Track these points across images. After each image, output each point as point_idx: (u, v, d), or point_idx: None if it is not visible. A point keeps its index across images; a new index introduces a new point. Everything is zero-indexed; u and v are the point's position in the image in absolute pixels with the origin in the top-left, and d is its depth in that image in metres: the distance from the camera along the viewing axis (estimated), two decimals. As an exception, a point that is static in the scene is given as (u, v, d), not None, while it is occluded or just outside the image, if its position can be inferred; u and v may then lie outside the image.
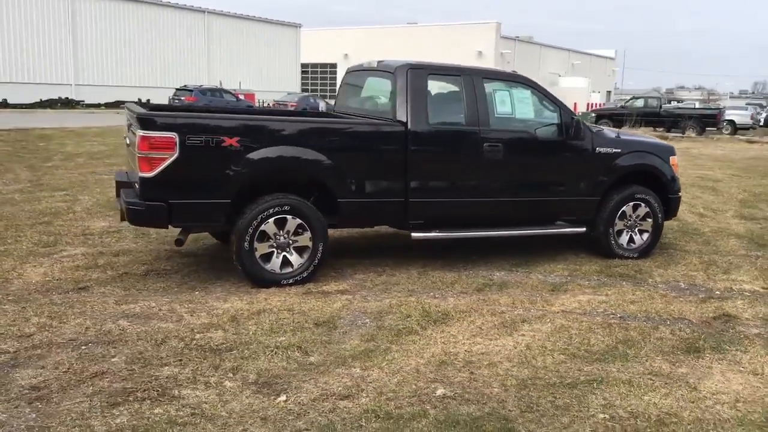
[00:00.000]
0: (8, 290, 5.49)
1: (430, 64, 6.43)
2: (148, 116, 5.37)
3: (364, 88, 7.23)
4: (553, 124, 6.67)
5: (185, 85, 33.27)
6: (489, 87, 6.49)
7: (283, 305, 5.30)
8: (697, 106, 36.84)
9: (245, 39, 49.34)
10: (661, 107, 31.64)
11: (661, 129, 30.05)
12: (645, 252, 7.22)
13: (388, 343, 4.62)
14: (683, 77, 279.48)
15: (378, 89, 6.84)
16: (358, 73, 7.34)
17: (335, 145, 5.86)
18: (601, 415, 3.66)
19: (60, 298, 5.34)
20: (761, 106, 53.40)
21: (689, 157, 19.29)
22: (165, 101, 31.08)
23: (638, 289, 6.05)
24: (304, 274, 5.85)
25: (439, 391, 3.88)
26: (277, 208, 5.67)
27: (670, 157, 7.33)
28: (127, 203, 5.49)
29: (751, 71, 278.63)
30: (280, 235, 5.75)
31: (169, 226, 5.83)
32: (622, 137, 7.16)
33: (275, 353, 4.37)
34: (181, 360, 4.24)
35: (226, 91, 33.18)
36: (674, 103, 37.27)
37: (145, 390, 3.81)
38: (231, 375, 4.04)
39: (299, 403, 3.71)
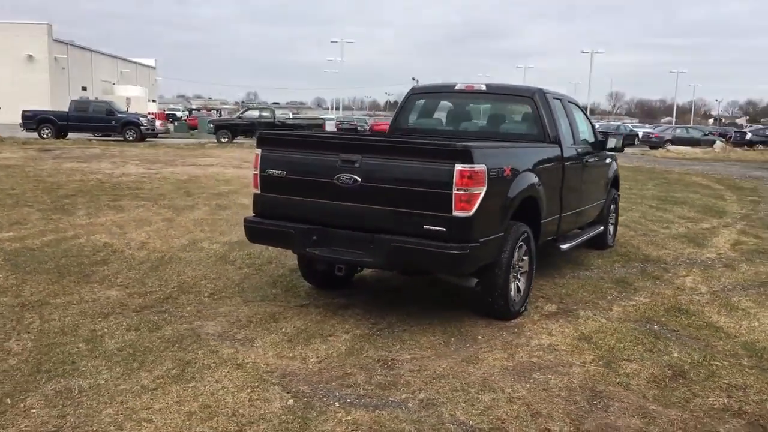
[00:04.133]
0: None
1: (545, 88, 6.91)
2: (467, 148, 4.77)
3: (467, 111, 7.15)
4: (598, 138, 7.83)
5: None
6: (570, 109, 7.31)
7: (575, 331, 5.36)
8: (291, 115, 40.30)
9: None
10: (275, 118, 33.86)
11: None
12: (613, 239, 8.96)
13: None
14: (204, 86, 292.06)
15: (496, 112, 6.96)
16: (440, 95, 7.20)
17: (541, 168, 6.00)
18: None
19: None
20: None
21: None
22: None
23: (712, 267, 7.70)
24: (526, 299, 5.88)
25: None
26: (522, 236, 5.60)
27: None
28: (444, 249, 4.76)
29: (240, 81, 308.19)
30: (518, 263, 5.69)
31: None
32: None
33: (733, 369, 4.68)
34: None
35: None
36: (290, 114, 40.02)
37: None
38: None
39: None
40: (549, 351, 4.84)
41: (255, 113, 34.20)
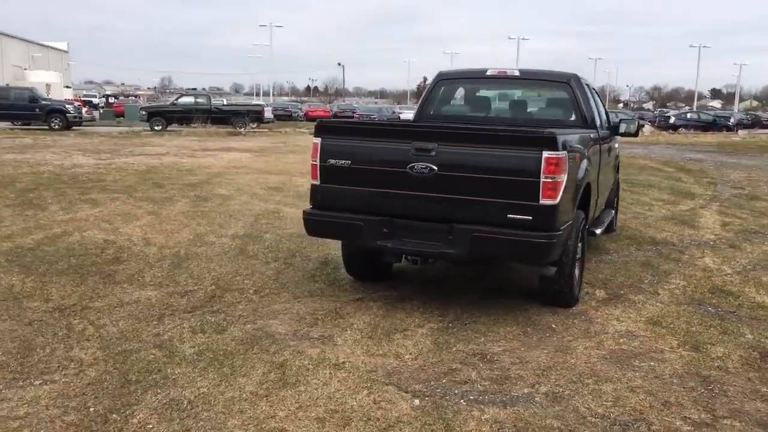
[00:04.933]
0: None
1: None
2: (553, 134, 4.69)
3: (501, 97, 7.05)
4: (612, 123, 7.90)
5: None
6: (593, 93, 7.33)
7: (640, 316, 5.40)
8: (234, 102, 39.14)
9: None
10: (211, 104, 32.87)
11: (213, 126, 30.74)
12: (616, 223, 9.12)
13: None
14: (113, 71, 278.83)
15: (532, 97, 6.89)
16: (470, 80, 7.06)
17: (590, 153, 5.99)
18: None
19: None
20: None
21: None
22: None
23: (719, 248, 7.95)
24: (581, 286, 5.90)
25: None
26: (582, 223, 5.60)
27: None
28: (532, 238, 4.68)
29: (153, 66, 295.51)
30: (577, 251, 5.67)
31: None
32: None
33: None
34: None
35: None
36: (224, 101, 38.77)
37: None
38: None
39: None
40: (631, 337, 4.85)
41: (190, 99, 32.99)
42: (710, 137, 35.48)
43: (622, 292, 6.03)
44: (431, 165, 4.81)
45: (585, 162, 5.53)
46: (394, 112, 46.98)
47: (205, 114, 31.32)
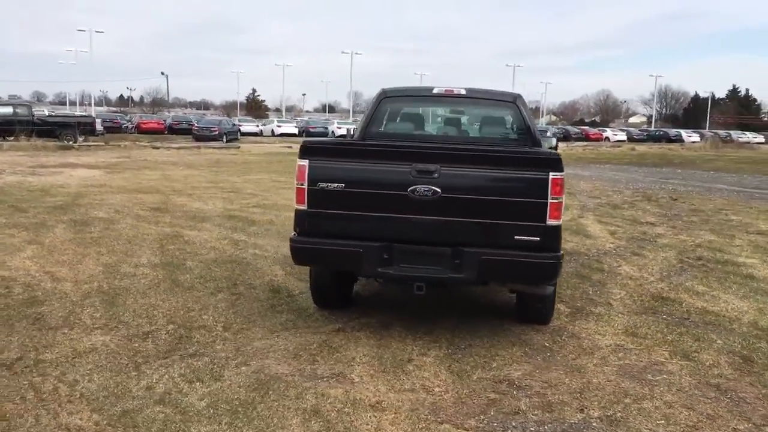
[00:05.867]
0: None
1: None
2: (558, 156, 4.76)
3: (448, 116, 6.96)
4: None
5: None
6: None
7: (614, 329, 5.64)
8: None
9: None
10: (33, 115, 30.03)
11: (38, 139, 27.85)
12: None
13: None
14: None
15: (480, 117, 6.90)
16: (416, 98, 6.94)
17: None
18: None
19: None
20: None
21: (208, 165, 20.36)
22: None
23: (625, 257, 8.51)
24: (548, 302, 6.04)
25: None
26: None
27: None
28: (541, 259, 4.70)
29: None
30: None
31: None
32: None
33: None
34: None
35: None
36: (46, 111, 35.13)
37: None
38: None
39: None
40: (625, 351, 5.01)
41: (8, 110, 29.80)
42: (536, 149, 38.20)
43: (579, 305, 6.22)
44: (434, 187, 4.65)
45: (555, 180, 5.63)
46: (234, 125, 45.62)
47: (27, 126, 28.46)
